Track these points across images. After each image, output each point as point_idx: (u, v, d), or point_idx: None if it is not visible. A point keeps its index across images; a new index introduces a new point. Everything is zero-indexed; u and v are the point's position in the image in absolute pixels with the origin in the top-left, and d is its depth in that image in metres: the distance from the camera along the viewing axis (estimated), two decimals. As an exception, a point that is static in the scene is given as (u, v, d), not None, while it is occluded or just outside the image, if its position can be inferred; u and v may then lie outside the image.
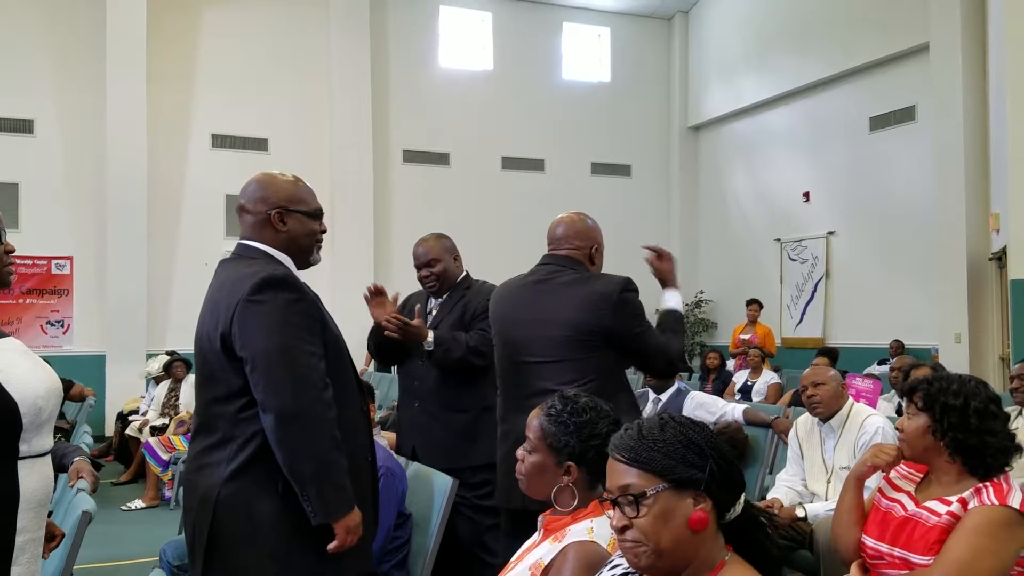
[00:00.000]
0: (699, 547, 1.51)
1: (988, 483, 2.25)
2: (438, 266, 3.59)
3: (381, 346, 3.60)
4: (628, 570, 1.61)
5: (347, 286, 11.16)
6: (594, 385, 2.84)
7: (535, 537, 2.06)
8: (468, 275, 3.69)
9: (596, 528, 1.89)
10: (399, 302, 3.69)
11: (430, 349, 3.40)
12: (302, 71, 12.00)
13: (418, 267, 3.63)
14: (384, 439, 3.63)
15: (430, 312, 3.63)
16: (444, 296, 3.63)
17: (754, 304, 10.26)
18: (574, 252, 3.08)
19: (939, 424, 2.30)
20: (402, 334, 3.36)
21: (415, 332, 3.37)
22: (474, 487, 3.37)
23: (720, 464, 1.54)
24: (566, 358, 2.94)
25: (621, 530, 1.52)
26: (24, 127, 10.73)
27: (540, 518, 2.06)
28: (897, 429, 2.46)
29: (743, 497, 1.58)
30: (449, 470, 3.20)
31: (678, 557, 1.50)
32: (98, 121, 10.70)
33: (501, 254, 9.19)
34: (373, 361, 11.30)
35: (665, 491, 1.49)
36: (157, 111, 10.98)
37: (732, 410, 4.80)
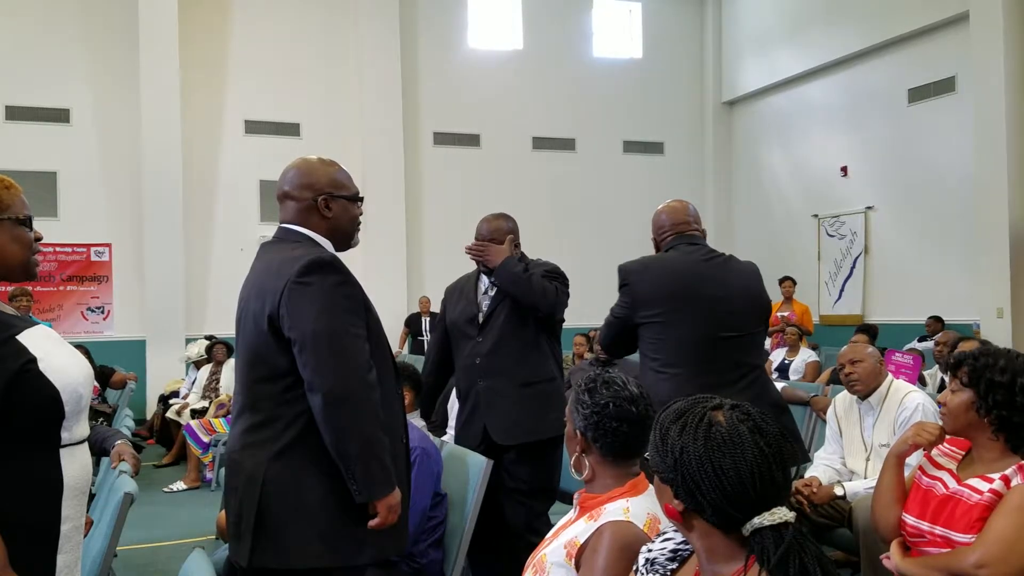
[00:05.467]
0: None
1: (1032, 460, 2.20)
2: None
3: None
4: (679, 545, 1.58)
5: (379, 268, 11.22)
6: (764, 359, 3.14)
7: (571, 514, 2.05)
8: (524, 256, 3.63)
9: (632, 508, 1.88)
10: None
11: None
12: (332, 55, 12.02)
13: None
14: (420, 420, 3.63)
15: (485, 293, 3.59)
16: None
17: (787, 281, 10.15)
18: (701, 234, 3.27)
19: (984, 400, 2.26)
20: (482, 256, 3.49)
21: (495, 252, 3.47)
22: (535, 469, 3.39)
23: None
24: (755, 332, 3.20)
25: None
26: (61, 116, 10.88)
27: (576, 495, 2.06)
28: (939, 403, 2.42)
29: None
30: (525, 445, 3.34)
31: None
32: (133, 109, 10.80)
33: (533, 234, 9.11)
34: (408, 343, 11.39)
35: None
36: (190, 98, 11.07)
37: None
